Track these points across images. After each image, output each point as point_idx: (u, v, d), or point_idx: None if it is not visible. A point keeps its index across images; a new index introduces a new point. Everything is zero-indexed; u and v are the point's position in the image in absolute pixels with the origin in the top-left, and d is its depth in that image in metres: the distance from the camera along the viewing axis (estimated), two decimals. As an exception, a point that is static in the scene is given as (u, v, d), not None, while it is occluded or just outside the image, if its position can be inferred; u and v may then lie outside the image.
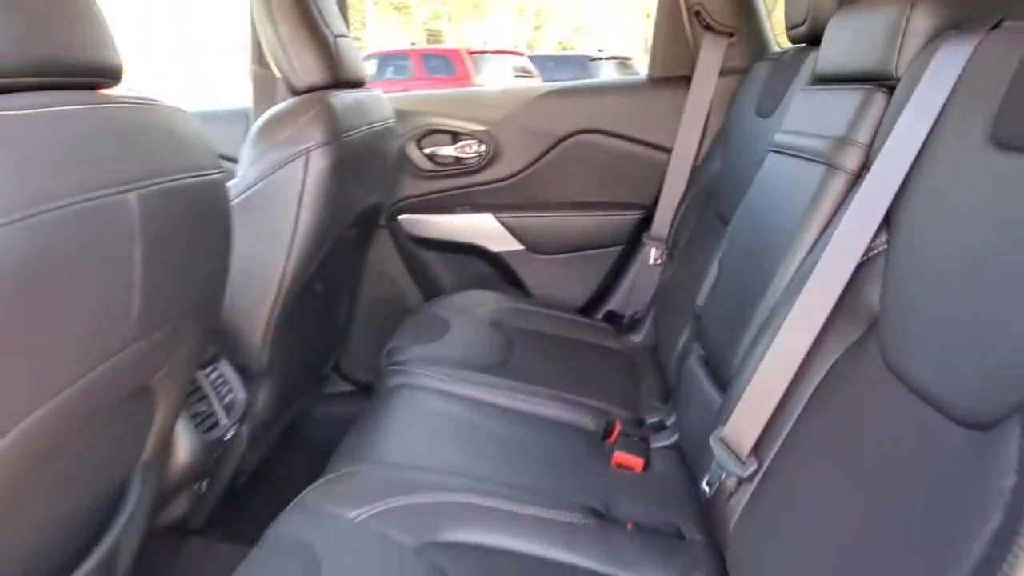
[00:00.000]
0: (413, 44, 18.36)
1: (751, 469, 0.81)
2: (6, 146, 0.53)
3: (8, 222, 0.51)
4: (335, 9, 1.36)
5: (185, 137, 0.75)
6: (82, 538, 0.77)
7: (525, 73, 9.89)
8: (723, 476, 0.86)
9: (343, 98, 1.28)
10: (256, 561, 0.80)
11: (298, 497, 0.91)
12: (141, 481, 0.86)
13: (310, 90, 1.25)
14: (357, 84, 1.38)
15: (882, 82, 0.86)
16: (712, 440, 0.87)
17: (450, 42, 17.89)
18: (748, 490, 0.82)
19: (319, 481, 0.95)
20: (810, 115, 1.02)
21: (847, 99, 0.90)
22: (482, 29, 19.81)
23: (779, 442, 0.81)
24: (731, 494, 0.85)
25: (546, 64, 10.62)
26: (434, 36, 19.84)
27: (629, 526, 0.95)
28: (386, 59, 10.27)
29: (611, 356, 1.54)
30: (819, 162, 0.91)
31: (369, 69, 10.19)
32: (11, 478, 0.59)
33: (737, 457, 0.83)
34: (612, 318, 1.76)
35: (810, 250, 0.87)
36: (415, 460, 1.02)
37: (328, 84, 1.26)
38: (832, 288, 0.78)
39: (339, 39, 1.31)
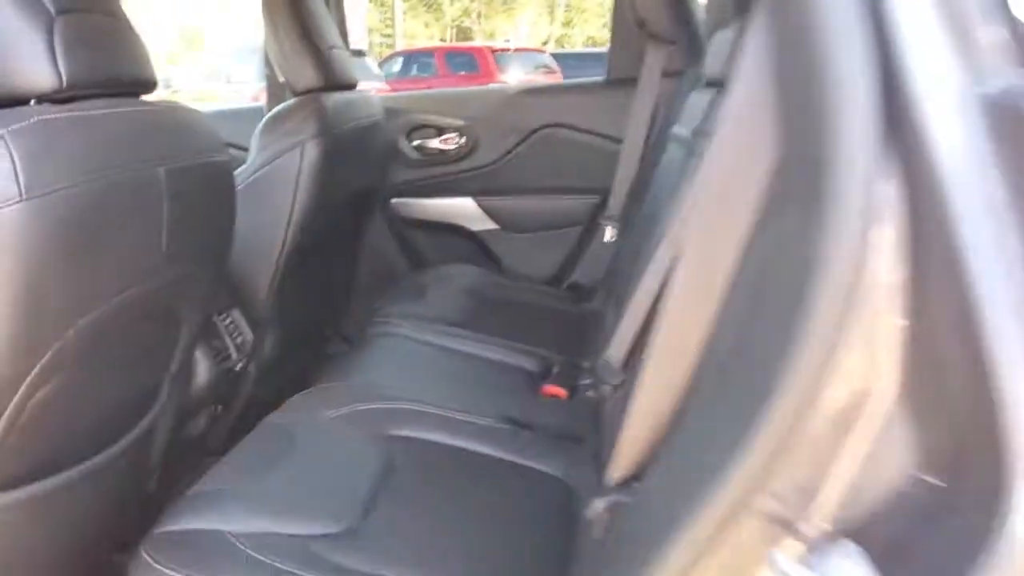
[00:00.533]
0: (443, 41, 18.66)
1: (620, 379, 1.08)
2: (76, 134, 0.82)
3: (75, 183, 0.79)
4: (331, 24, 1.64)
5: (198, 131, 1.04)
6: (127, 418, 1.06)
7: (547, 70, 10.15)
8: (604, 388, 1.13)
9: (335, 99, 1.56)
10: (247, 441, 1.09)
11: (287, 401, 1.20)
12: (169, 387, 1.16)
13: (307, 92, 1.54)
14: (348, 87, 1.66)
15: (724, 85, 1.12)
16: (599, 360, 1.14)
17: (480, 39, 18.21)
18: (618, 398, 1.09)
19: (306, 391, 1.24)
20: (691, 112, 1.27)
21: (706, 99, 1.15)
22: (512, 26, 20.06)
23: (641, 357, 1.07)
24: (609, 402, 1.12)
25: (568, 61, 10.85)
26: (464, 33, 20.15)
27: (541, 433, 1.22)
28: (411, 57, 10.61)
29: (565, 317, 1.80)
30: (685, 149, 1.17)
31: (395, 67, 10.51)
32: (80, 361, 0.88)
33: (614, 371, 1.10)
34: (574, 288, 2.03)
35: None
36: (381, 382, 1.31)
37: (322, 87, 1.55)
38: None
39: (332, 49, 1.59)
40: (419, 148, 2.05)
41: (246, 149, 1.51)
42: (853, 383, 0.46)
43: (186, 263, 1.03)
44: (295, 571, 0.84)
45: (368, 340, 1.50)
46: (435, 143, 2.05)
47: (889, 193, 0.44)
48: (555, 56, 11.17)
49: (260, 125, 1.48)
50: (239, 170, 1.46)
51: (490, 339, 1.55)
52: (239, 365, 1.44)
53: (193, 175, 1.00)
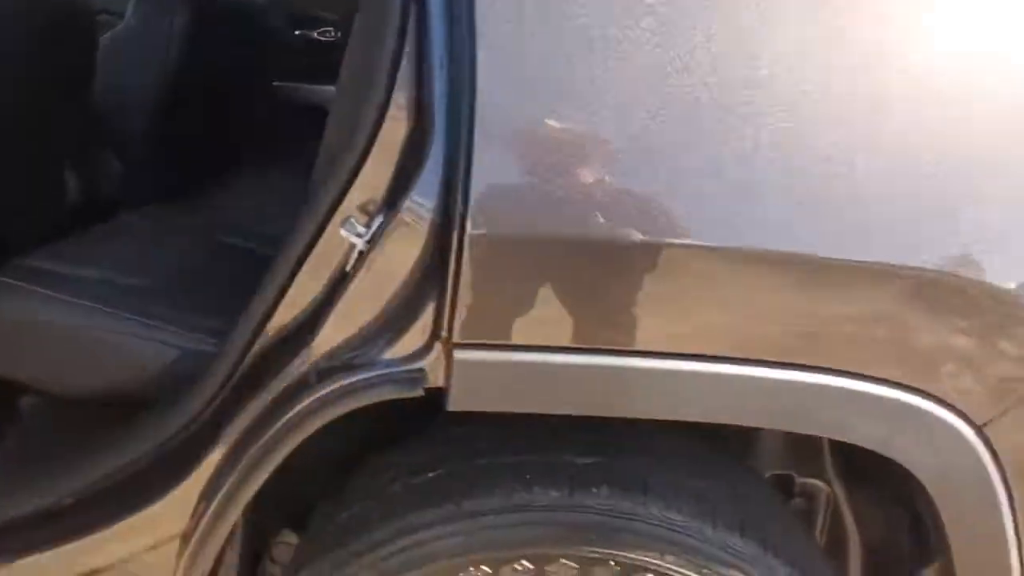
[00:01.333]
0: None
1: None
2: None
3: None
4: None
5: None
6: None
7: None
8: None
9: None
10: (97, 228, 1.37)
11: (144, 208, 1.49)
12: (43, 200, 1.43)
13: None
14: None
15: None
16: None
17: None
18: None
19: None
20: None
21: None
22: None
23: None
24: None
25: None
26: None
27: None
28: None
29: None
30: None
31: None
32: None
33: None
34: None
35: None
36: (224, 205, 1.60)
37: None
38: None
39: None
40: (300, 37, 2.30)
41: (121, 15, 1.75)
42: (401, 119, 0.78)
43: (65, 72, 1.31)
44: (114, 310, 1.13)
45: (225, 180, 1.79)
46: (313, 34, 2.30)
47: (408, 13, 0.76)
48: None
49: (135, -6, 1.72)
50: (115, 30, 1.71)
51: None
52: (106, 197, 1.71)
53: (66, 19, 1.28)
